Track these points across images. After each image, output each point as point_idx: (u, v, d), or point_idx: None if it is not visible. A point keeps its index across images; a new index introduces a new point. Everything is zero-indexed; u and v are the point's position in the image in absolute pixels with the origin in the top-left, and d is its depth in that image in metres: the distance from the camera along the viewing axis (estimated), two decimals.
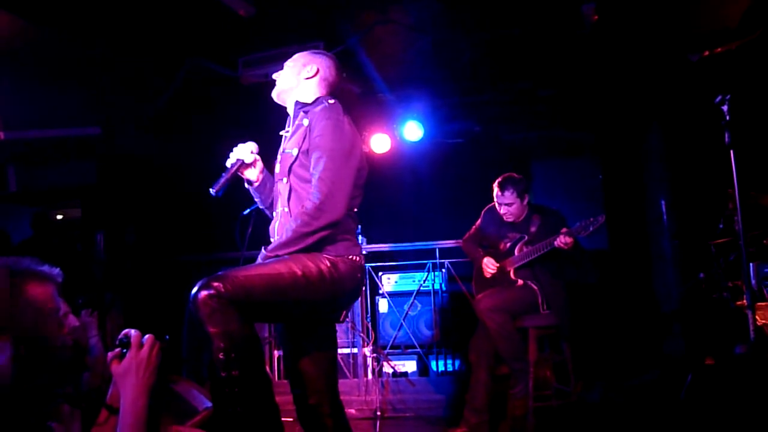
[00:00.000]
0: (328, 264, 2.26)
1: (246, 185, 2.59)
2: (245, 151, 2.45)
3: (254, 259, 2.34)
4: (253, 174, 2.53)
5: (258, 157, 2.50)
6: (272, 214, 2.53)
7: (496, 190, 4.03)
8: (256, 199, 2.61)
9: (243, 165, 2.45)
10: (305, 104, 2.45)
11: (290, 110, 2.51)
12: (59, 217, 7.13)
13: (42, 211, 5.97)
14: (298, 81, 2.48)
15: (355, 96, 5.47)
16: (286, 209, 2.38)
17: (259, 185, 2.55)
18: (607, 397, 4.41)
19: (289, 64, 2.53)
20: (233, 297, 2.04)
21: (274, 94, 2.53)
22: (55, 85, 4.69)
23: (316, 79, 2.48)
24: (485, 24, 4.56)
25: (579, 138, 6.43)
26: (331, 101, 2.40)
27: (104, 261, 6.04)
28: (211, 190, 2.36)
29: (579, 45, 4.77)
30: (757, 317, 2.99)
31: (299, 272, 2.18)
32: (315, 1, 4.14)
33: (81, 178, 5.46)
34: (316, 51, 2.57)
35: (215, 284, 2.03)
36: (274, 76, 2.54)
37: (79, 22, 3.97)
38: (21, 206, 6.11)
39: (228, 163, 2.44)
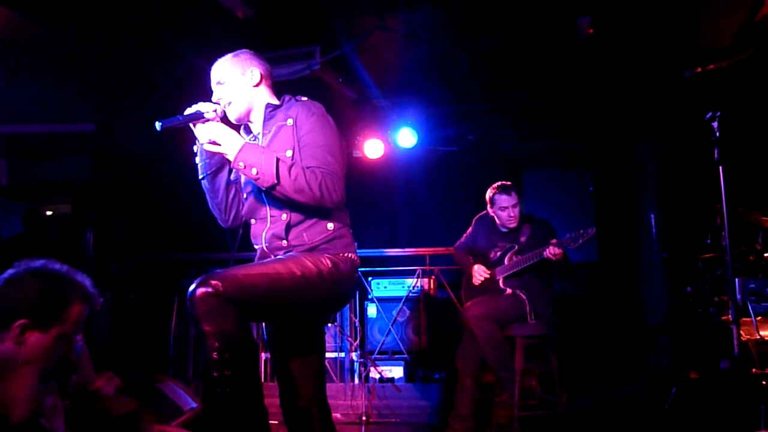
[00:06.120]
0: (329, 264, 2.24)
1: (194, 147, 2.44)
2: (207, 107, 2.29)
3: (245, 260, 2.32)
4: (203, 135, 2.29)
5: (219, 120, 2.30)
6: (215, 203, 2.46)
7: (498, 195, 4.02)
8: (200, 163, 2.43)
9: (200, 117, 2.26)
10: (276, 106, 2.40)
11: (256, 118, 2.43)
12: (49, 213, 7.11)
13: (33, 208, 5.95)
14: (251, 93, 2.39)
15: (349, 101, 5.48)
16: (284, 216, 2.30)
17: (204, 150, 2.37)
18: (592, 408, 4.44)
19: (227, 86, 2.38)
20: (231, 296, 2.01)
21: (234, 120, 2.40)
22: (50, 80, 4.68)
23: (263, 81, 2.41)
24: (481, 34, 4.59)
25: (571, 149, 6.47)
26: (304, 98, 2.38)
27: (93, 258, 6.01)
28: (157, 122, 2.19)
29: (574, 57, 4.81)
30: (741, 332, 3.01)
31: (298, 272, 2.16)
32: (313, 5, 4.15)
33: (73, 174, 5.45)
34: (235, 56, 2.42)
35: (213, 282, 2.00)
36: (215, 101, 2.37)
37: (76, 18, 3.96)
38: (11, 201, 6.08)
39: (187, 111, 2.29)
